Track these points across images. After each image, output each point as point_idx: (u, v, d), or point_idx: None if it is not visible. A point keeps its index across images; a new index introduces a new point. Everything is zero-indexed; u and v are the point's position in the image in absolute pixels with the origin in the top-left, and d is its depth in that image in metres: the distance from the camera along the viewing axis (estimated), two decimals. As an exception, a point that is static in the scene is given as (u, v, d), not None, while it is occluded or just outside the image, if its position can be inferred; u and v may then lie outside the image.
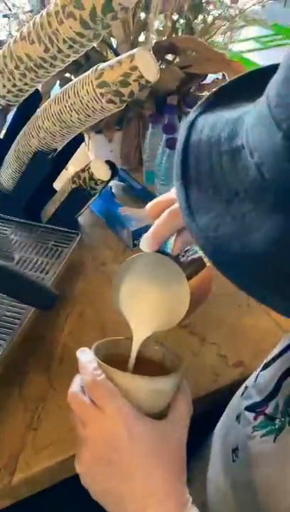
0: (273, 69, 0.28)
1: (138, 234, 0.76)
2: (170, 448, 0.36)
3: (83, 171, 0.68)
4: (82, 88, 0.57)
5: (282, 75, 0.26)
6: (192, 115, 0.33)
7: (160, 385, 0.37)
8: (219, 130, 0.30)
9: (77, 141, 0.71)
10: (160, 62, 0.86)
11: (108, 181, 0.70)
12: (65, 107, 0.60)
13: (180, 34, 0.91)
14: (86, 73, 0.58)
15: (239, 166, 0.28)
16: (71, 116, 0.60)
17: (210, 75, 0.90)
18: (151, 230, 0.38)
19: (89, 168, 0.67)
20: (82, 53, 0.57)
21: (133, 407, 0.36)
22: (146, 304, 0.40)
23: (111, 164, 0.71)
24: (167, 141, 0.77)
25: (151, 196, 0.82)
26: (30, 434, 0.53)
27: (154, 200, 0.40)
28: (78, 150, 0.76)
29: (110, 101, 0.57)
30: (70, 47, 0.55)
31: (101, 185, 0.69)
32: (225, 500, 0.45)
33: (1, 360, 0.51)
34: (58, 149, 0.68)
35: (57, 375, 0.59)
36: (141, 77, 0.53)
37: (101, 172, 0.68)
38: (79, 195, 0.68)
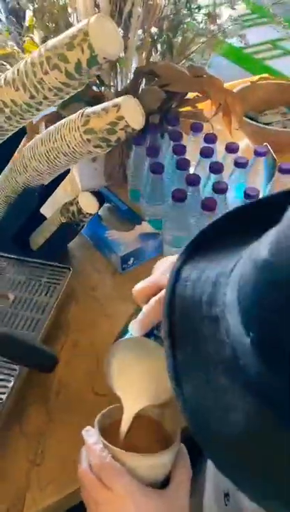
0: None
1: (126, 259, 0.78)
2: None
3: (71, 204, 0.70)
4: (69, 133, 0.58)
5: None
6: (176, 265, 0.36)
7: (160, 459, 0.41)
8: (200, 291, 0.33)
9: (64, 172, 0.71)
10: (140, 81, 0.86)
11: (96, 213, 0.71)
12: (52, 148, 0.61)
13: (159, 49, 0.91)
14: (72, 117, 0.59)
15: (218, 337, 0.30)
16: (58, 158, 0.61)
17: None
18: (140, 317, 0.42)
19: (78, 202, 0.68)
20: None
21: (138, 483, 0.40)
22: (135, 380, 0.43)
23: (98, 195, 0.72)
24: (151, 166, 0.79)
25: (137, 218, 0.84)
26: (34, 470, 0.56)
27: (141, 285, 0.43)
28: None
29: (97, 146, 0.58)
30: (56, 94, 0.56)
31: (90, 217, 0.71)
32: None
33: (6, 405, 0.53)
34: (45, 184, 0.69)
35: (55, 409, 0.62)
36: (128, 126, 0.55)
37: (90, 206, 0.69)
38: (68, 228, 0.69)
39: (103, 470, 0.40)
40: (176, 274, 0.35)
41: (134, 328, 0.42)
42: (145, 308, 0.42)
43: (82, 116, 0.57)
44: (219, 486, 0.49)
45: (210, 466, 0.55)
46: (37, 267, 0.69)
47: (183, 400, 0.30)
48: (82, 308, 0.75)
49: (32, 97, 0.56)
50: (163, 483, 0.43)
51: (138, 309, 0.45)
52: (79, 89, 0.56)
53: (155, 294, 0.43)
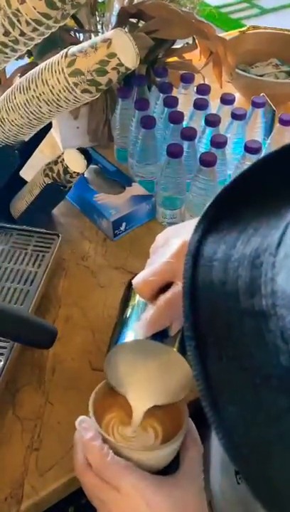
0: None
1: (118, 224, 0.72)
2: (190, 504, 0.36)
3: (56, 163, 0.62)
4: (52, 76, 0.50)
5: None
6: (194, 238, 0.26)
7: (169, 449, 0.37)
8: (233, 274, 0.24)
9: (45, 128, 0.64)
10: (124, 27, 0.78)
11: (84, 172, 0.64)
12: (33, 97, 0.53)
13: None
14: (54, 58, 0.51)
15: (268, 341, 0.22)
16: (40, 107, 0.53)
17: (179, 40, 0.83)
18: (149, 320, 0.35)
19: (63, 160, 0.61)
20: (48, 35, 0.49)
21: (146, 477, 0.35)
22: (141, 382, 0.39)
23: (84, 152, 0.65)
24: (142, 120, 0.72)
25: (127, 179, 0.77)
26: (32, 455, 0.51)
27: (142, 277, 0.35)
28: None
29: (85, 91, 0.50)
30: (35, 29, 0.48)
31: (77, 178, 0.64)
32: (234, 505, 0.46)
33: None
34: (26, 140, 0.61)
35: (52, 388, 0.57)
36: (121, 64, 0.47)
37: (77, 164, 0.62)
38: (53, 190, 0.62)
39: (106, 470, 0.35)
40: (196, 252, 0.26)
41: (141, 332, 0.36)
42: (152, 310, 0.35)
43: (66, 56, 0.50)
44: (228, 462, 0.45)
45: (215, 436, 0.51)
46: (21, 235, 0.62)
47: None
48: (72, 279, 0.69)
49: (6, 33, 0.48)
50: (174, 461, 0.39)
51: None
52: (62, 23, 0.48)
53: (161, 287, 0.36)
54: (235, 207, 0.27)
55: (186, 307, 0.24)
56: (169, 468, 0.39)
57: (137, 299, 0.38)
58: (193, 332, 0.24)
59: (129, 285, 0.40)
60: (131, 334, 0.37)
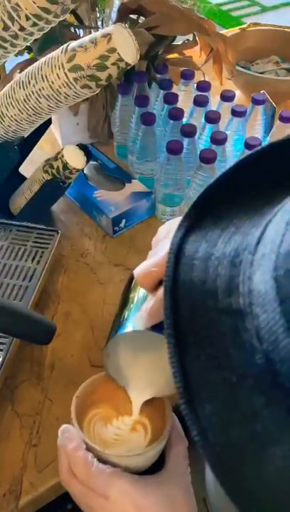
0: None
1: (118, 220, 0.72)
2: (178, 501, 0.36)
3: (55, 159, 0.62)
4: (52, 72, 0.50)
5: None
6: (177, 236, 0.26)
7: (157, 448, 0.37)
8: (213, 273, 0.24)
9: (45, 124, 0.63)
10: (124, 23, 0.78)
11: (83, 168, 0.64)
12: (32, 92, 0.53)
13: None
14: (54, 53, 0.51)
15: (245, 339, 0.21)
16: (40, 103, 0.53)
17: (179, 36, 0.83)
18: (149, 311, 0.34)
19: (62, 156, 0.61)
20: (48, 30, 0.49)
21: (133, 481, 0.35)
22: (140, 373, 0.39)
23: (84, 148, 0.65)
24: (142, 116, 0.71)
25: (127, 176, 0.77)
26: (31, 451, 0.51)
27: (143, 268, 0.35)
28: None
29: (85, 86, 0.50)
30: (34, 24, 0.48)
31: (77, 174, 0.64)
32: (229, 502, 0.46)
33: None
34: (25, 136, 0.61)
35: (51, 384, 0.57)
36: (121, 60, 0.47)
37: (76, 160, 0.62)
38: (53, 186, 0.62)
39: (92, 480, 0.35)
40: (177, 250, 0.26)
41: (141, 323, 0.35)
42: (152, 301, 0.35)
43: (66, 51, 0.49)
44: None
45: None
46: (21, 231, 0.62)
47: (200, 428, 0.21)
48: (71, 275, 0.68)
49: (6, 27, 0.48)
50: (160, 457, 0.39)
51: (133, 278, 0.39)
52: (62, 18, 0.48)
53: (162, 279, 0.36)
54: (219, 205, 0.27)
55: (167, 305, 0.25)
56: (155, 465, 0.39)
57: (138, 291, 0.38)
58: (173, 330, 0.24)
59: (131, 278, 0.40)
60: (131, 325, 0.36)
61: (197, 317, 0.24)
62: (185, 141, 0.69)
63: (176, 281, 0.25)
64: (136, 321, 0.36)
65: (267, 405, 0.20)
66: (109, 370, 0.40)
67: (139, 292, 0.38)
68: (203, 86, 0.78)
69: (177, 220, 0.43)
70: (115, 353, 0.39)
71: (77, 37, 0.77)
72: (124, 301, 0.39)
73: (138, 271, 0.35)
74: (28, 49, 0.79)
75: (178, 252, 0.26)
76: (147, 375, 0.39)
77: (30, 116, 0.55)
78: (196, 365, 0.23)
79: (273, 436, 0.20)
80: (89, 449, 0.37)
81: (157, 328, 0.35)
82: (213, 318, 0.23)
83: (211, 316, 0.23)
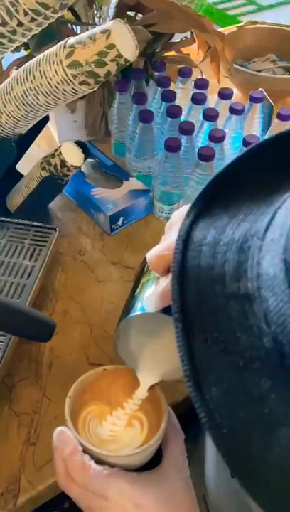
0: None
1: (115, 218, 0.71)
2: (177, 496, 0.36)
3: (53, 156, 0.62)
4: (50, 68, 0.50)
5: None
6: (185, 223, 0.27)
7: (154, 444, 0.37)
8: (221, 258, 0.24)
9: (42, 121, 0.63)
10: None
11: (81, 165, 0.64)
12: (30, 88, 0.52)
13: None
14: (52, 49, 0.51)
15: (252, 323, 0.22)
16: (38, 99, 0.53)
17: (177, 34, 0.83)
18: (160, 293, 0.34)
19: (60, 153, 0.61)
20: (46, 27, 0.49)
21: (131, 480, 0.35)
22: (150, 356, 0.39)
23: (81, 145, 0.65)
24: (139, 114, 0.71)
25: (124, 173, 0.76)
26: (29, 450, 0.51)
27: (155, 251, 0.34)
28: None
29: (84, 82, 0.50)
30: (33, 19, 0.47)
31: (74, 171, 0.63)
32: (228, 499, 0.46)
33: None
34: (23, 133, 0.61)
35: (49, 383, 0.56)
36: (120, 56, 0.47)
37: (74, 157, 0.61)
38: (50, 184, 0.62)
39: (90, 483, 0.35)
40: (186, 236, 0.26)
41: (152, 305, 0.35)
42: (164, 283, 0.34)
43: (64, 47, 0.49)
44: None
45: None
46: (18, 229, 0.61)
47: (207, 410, 0.22)
48: (69, 274, 0.68)
49: (3, 23, 0.48)
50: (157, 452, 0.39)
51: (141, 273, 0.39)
52: (60, 13, 0.48)
53: None
54: (227, 193, 0.28)
55: (174, 290, 0.25)
56: (152, 460, 0.39)
57: (150, 275, 0.38)
58: (180, 314, 0.24)
59: (144, 263, 0.40)
60: (142, 307, 0.36)
61: (205, 302, 0.24)
62: (183, 139, 0.69)
63: (184, 267, 0.25)
64: (147, 303, 0.35)
65: (274, 387, 0.21)
66: (119, 352, 0.40)
67: (151, 277, 0.38)
68: (201, 84, 0.78)
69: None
70: (125, 335, 0.39)
71: (74, 34, 0.77)
72: (136, 286, 0.39)
73: (150, 254, 0.34)
74: (26, 45, 0.79)
75: (186, 238, 0.26)
76: (157, 357, 0.38)
77: (28, 112, 0.55)
78: (203, 349, 0.23)
79: (280, 418, 0.20)
80: (85, 450, 0.37)
81: (168, 310, 0.35)
82: (221, 302, 0.23)
83: (219, 301, 0.24)
